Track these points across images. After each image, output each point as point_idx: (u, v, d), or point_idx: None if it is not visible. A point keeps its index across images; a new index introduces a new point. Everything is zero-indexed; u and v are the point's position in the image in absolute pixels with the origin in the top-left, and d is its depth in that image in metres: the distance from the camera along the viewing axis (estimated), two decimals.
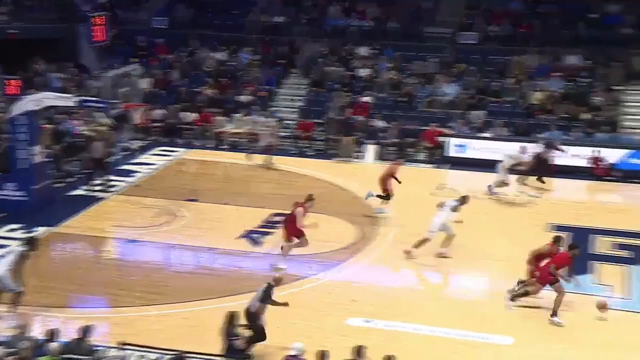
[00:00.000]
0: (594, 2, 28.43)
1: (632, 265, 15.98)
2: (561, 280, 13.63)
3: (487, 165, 21.38)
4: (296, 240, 15.66)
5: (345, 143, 24.47)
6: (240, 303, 12.51)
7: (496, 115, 25.35)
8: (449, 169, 23.39)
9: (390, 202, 18.68)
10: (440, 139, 24.18)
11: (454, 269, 15.97)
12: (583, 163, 22.46)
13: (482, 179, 20.96)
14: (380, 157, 24.07)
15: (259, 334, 11.95)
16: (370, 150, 24.40)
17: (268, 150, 23.14)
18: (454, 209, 16.23)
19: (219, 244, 16.77)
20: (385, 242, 17.15)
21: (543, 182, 21.33)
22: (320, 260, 15.89)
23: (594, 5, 28.35)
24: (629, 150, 22.68)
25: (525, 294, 14.00)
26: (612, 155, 22.41)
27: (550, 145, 21.67)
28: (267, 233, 17.48)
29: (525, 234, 17.24)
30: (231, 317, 11.76)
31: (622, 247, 16.91)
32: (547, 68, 26.83)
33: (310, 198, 15.90)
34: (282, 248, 15.85)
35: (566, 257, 13.78)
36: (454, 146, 23.97)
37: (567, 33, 27.38)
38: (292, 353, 11.01)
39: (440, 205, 16.34)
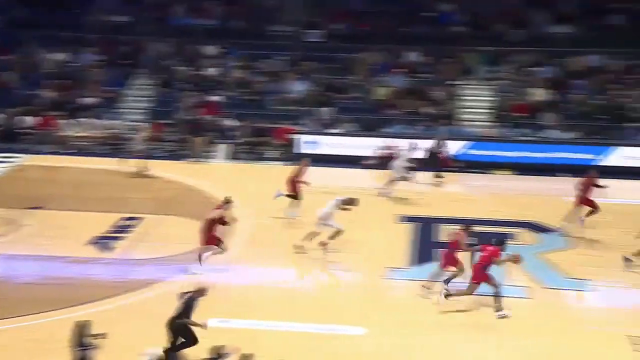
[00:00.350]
0: (429, 1, 29.73)
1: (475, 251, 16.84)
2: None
3: (339, 161, 21.87)
4: (215, 247, 15.29)
5: (196, 143, 24.26)
6: (92, 311, 12.13)
7: (344, 112, 25.99)
8: None
9: (300, 204, 18.40)
10: (291, 136, 24.49)
11: (308, 263, 16.22)
12: (427, 155, 23.44)
13: (334, 175, 21.41)
14: (232, 156, 24.05)
15: (191, 340, 11.58)
16: (222, 149, 24.33)
17: (140, 154, 22.43)
18: (339, 206, 16.39)
19: (67, 252, 16.17)
20: (240, 241, 17.16)
21: (441, 177, 22.06)
22: (174, 263, 15.68)
23: (429, 5, 29.66)
24: (467, 141, 23.92)
25: (460, 293, 14.08)
26: (452, 147, 23.55)
27: (441, 141, 22.32)
28: (117, 238, 17.04)
29: (377, 226, 17.78)
30: (80, 327, 11.29)
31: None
32: (388, 65, 27.80)
33: (227, 201, 15.59)
34: (199, 255, 15.28)
35: (497, 252, 13.91)
36: (305, 143, 24.36)
37: (405, 31, 28.48)
38: (146, 359, 10.77)
39: (331, 201, 16.43)
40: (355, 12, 29.87)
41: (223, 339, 11.47)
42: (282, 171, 22.95)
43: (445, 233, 17.77)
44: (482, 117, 25.86)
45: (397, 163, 20.50)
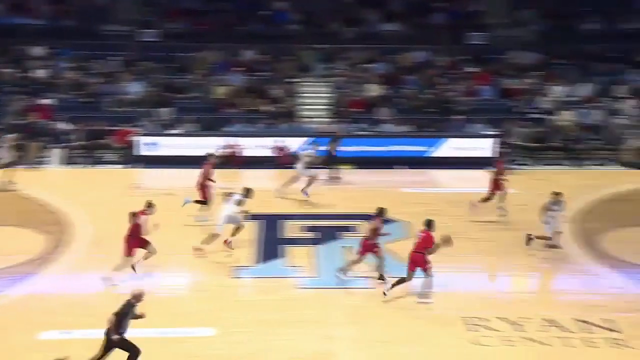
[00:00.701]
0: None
1: (318, 245, 17.24)
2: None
3: (180, 162, 21.60)
4: (142, 251, 14.82)
5: (29, 148, 23.11)
6: None
7: (184, 111, 25.70)
8: (142, 168, 23.24)
9: (211, 208, 17.95)
10: (130, 138, 23.92)
11: (150, 268, 15.92)
12: (268, 153, 23.70)
13: (176, 176, 21.13)
14: (67, 161, 23.14)
15: (133, 351, 11.27)
16: (56, 154, 23.35)
17: (10, 165, 20.99)
18: (239, 203, 16.26)
19: None
20: (79, 249, 16.57)
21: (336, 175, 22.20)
22: (6, 275, 14.90)
23: (264, 3, 29.92)
24: (307, 138, 24.36)
25: (402, 281, 14.39)
26: (293, 144, 23.93)
27: (336, 138, 22.37)
28: None
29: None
30: None
31: (310, 229, 18.09)
32: (227, 63, 27.79)
33: (149, 204, 15.00)
34: (132, 266, 14.84)
35: (432, 238, 14.34)
36: (145, 145, 23.87)
37: (241, 29, 28.57)
38: None
39: (227, 199, 16.31)
40: (190, 11, 29.61)
41: (67, 350, 11.08)
42: (122, 175, 22.49)
43: (289, 229, 18.07)
44: (321, 113, 26.43)
45: (300, 163, 20.33)
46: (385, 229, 16.85)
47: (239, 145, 23.56)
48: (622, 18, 29.14)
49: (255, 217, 18.28)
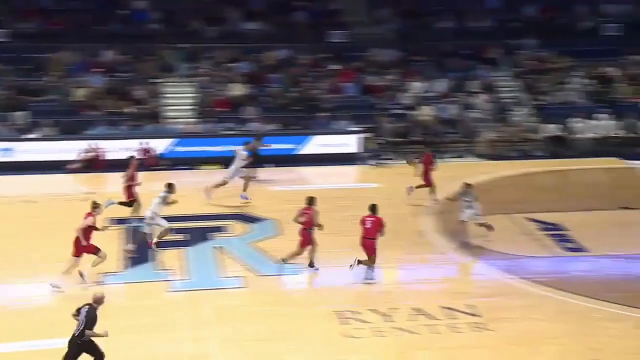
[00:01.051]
0: None
1: (188, 247, 17.08)
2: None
3: (39, 167, 20.74)
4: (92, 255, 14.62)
5: None
6: None
7: (41, 115, 24.68)
8: None
9: (140, 208, 17.76)
10: None
11: (16, 280, 15.27)
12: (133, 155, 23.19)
13: (35, 182, 20.29)
14: None
15: (98, 355, 11.20)
16: None
17: None
18: (164, 200, 16.26)
19: None
20: None
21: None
22: None
23: (121, 2, 29.20)
24: (173, 139, 24.05)
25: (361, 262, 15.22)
26: (159, 145, 23.53)
27: (259, 138, 21.89)
28: None
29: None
30: None
31: (179, 231, 17.82)
32: (85, 64, 26.92)
33: (95, 205, 14.80)
34: (79, 272, 14.61)
35: (382, 222, 15.03)
36: None
37: (100, 29, 27.76)
38: None
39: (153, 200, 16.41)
40: (43, 10, 28.43)
41: None
42: None
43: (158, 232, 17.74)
44: (186, 113, 26.13)
45: (235, 165, 19.97)
46: (254, 227, 17.06)
47: (102, 149, 22.92)
48: (472, 17, 30.59)
49: (121, 221, 17.88)
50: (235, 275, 15.64)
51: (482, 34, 29.71)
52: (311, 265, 15.80)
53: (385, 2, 30.85)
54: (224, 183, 19.90)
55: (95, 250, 14.74)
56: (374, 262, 15.35)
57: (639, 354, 12.74)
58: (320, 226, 15.57)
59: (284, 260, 15.71)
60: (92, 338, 11.19)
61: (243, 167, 20.03)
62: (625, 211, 19.05)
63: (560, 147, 24.64)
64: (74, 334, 11.15)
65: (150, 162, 23.14)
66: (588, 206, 19.13)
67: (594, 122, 25.23)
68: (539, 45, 29.24)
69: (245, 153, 20.17)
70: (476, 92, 27.11)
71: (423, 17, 30.53)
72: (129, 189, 18.28)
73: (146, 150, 23.31)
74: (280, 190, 20.02)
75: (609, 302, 14.57)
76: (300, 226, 15.59)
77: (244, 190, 19.91)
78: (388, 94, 27.06)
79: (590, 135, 24.98)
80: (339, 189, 20.28)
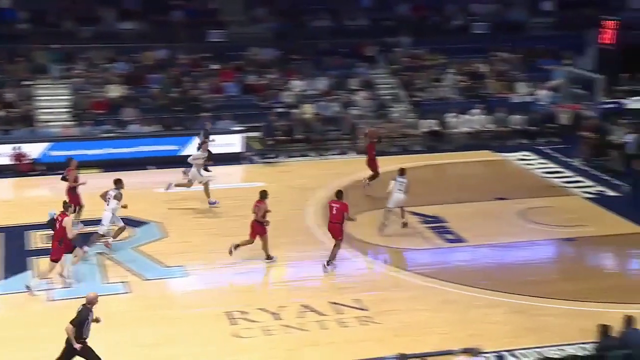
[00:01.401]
0: None
1: (69, 254, 16.50)
2: None
3: None
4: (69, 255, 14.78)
5: None
6: None
7: None
8: None
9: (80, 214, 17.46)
10: None
11: None
12: (6, 161, 22.25)
13: None
14: None
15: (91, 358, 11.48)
16: None
17: None
18: (117, 197, 16.29)
19: None
20: None
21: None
22: None
23: None
24: (48, 143, 23.19)
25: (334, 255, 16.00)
26: (34, 150, 22.64)
27: (207, 134, 21.37)
28: None
29: None
30: None
31: None
32: None
33: (67, 205, 15.05)
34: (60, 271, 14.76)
35: (347, 207, 15.93)
36: None
37: None
38: None
39: (104, 197, 16.39)
40: None
41: None
42: None
43: (36, 240, 17.12)
44: (61, 116, 25.22)
45: (193, 167, 19.44)
46: (138, 231, 16.79)
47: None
48: (348, 15, 31.14)
49: None
50: (120, 280, 15.31)
51: (358, 33, 30.31)
52: (268, 258, 16.27)
53: (262, 1, 30.93)
54: (188, 184, 19.55)
55: (71, 249, 14.92)
56: (339, 246, 16.12)
57: (516, 337, 13.40)
58: (265, 222, 15.95)
59: (269, 258, 16.24)
60: (88, 344, 11.48)
61: (202, 169, 19.82)
62: (500, 202, 19.93)
63: (437, 142, 25.48)
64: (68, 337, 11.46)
65: (24, 168, 22.25)
66: (465, 198, 19.89)
67: (467, 116, 26.23)
68: (413, 43, 30.11)
69: (199, 154, 19.97)
70: (356, 90, 27.61)
71: (299, 16, 30.81)
72: (71, 192, 17.66)
73: (19, 155, 22.38)
74: (163, 192, 19.70)
75: (487, 289, 15.26)
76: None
77: (208, 196, 19.44)
78: (269, 93, 27.15)
79: (465, 129, 25.96)
80: (224, 189, 20.17)
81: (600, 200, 20.59)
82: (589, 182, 21.96)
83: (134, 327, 13.55)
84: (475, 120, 26.27)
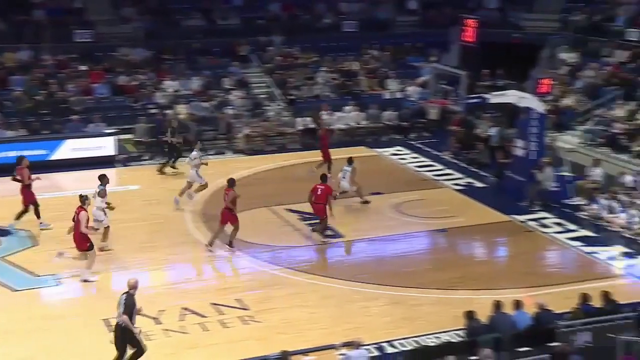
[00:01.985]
0: None
1: None
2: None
3: None
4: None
5: None
6: None
7: None
8: None
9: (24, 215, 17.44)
10: None
11: None
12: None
13: None
14: None
15: (139, 347, 11.82)
16: None
17: None
18: (101, 194, 16.42)
19: None
20: None
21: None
22: None
23: None
24: None
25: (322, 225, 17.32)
26: None
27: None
28: None
29: None
30: None
31: None
32: None
33: (84, 198, 15.44)
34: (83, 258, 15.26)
35: (331, 189, 17.44)
36: None
37: None
38: None
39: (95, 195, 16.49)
40: None
41: None
42: None
43: None
44: None
45: (192, 170, 19.51)
46: (3, 241, 16.21)
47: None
48: (219, 15, 30.95)
49: None
50: None
51: (230, 32, 30.22)
52: (230, 244, 16.79)
53: (130, 0, 30.25)
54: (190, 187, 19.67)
55: (86, 242, 15.33)
56: (326, 224, 17.46)
57: (394, 328, 13.80)
58: (232, 209, 16.54)
59: (230, 245, 16.81)
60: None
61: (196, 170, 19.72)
62: (375, 196, 20.41)
63: (313, 140, 25.76)
64: (116, 323, 11.95)
65: None
66: (342, 194, 20.22)
67: (341, 114, 26.68)
68: (285, 42, 30.32)
69: (196, 153, 19.82)
70: (230, 89, 27.51)
71: (170, 15, 30.37)
72: (24, 191, 17.42)
73: None
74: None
75: (365, 283, 15.63)
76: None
77: (181, 194, 19.62)
78: (142, 94, 26.59)
79: (339, 126, 26.40)
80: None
81: (468, 191, 21.48)
82: (457, 175, 22.86)
83: (8, 340, 12.98)
84: (348, 117, 26.76)
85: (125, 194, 20.56)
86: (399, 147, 25.53)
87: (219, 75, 28.23)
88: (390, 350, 13.09)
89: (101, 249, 16.47)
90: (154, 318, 13.78)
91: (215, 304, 14.55)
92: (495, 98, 22.94)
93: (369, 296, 15.13)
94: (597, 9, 30.12)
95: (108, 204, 16.80)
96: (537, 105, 20.78)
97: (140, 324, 13.59)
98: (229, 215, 16.69)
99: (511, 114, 23.73)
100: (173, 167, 22.56)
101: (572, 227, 18.73)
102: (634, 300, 13.69)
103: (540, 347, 11.18)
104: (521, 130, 20.98)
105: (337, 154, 22.94)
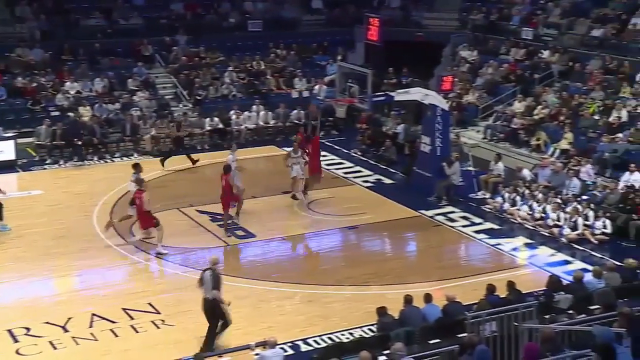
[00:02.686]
0: None
1: None
2: None
3: None
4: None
5: None
6: None
7: None
8: None
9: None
10: None
11: None
12: None
13: None
14: None
15: (226, 320, 12.63)
16: None
17: None
18: (137, 181, 16.98)
19: None
20: None
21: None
22: None
23: None
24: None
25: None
26: None
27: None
28: None
29: None
30: None
31: None
32: None
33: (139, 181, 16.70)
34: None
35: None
36: None
37: None
38: None
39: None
40: None
41: None
42: None
43: None
44: None
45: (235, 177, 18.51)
46: None
47: None
48: (121, 14, 30.29)
49: None
50: None
51: (133, 32, 29.66)
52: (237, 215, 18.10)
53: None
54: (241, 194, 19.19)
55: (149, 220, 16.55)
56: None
57: (309, 326, 13.86)
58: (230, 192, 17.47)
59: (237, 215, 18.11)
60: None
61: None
62: (286, 195, 20.42)
63: (221, 140, 25.58)
64: (204, 298, 12.60)
65: None
66: (254, 193, 20.17)
67: (249, 113, 26.57)
68: (190, 42, 29.97)
69: (232, 157, 19.57)
70: (135, 90, 26.99)
71: (68, 15, 29.52)
72: None
73: None
74: None
75: (279, 282, 15.65)
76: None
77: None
78: (41, 96, 25.75)
79: (248, 125, 26.29)
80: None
81: (378, 188, 21.79)
82: (367, 172, 23.14)
83: None
84: (256, 116, 26.67)
85: (27, 199, 19.92)
86: None
87: (123, 76, 27.65)
88: (304, 348, 13.15)
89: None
90: (62, 326, 13.42)
91: (126, 309, 14.26)
92: (400, 96, 23.35)
93: (282, 295, 15.15)
94: (494, 9, 31.14)
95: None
96: (440, 102, 21.29)
97: (49, 333, 13.27)
98: (229, 198, 17.66)
99: (416, 112, 24.24)
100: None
101: (477, 220, 19.27)
102: (536, 289, 14.18)
103: (450, 339, 11.45)
104: (426, 127, 21.43)
105: (246, 153, 22.90)
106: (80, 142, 23.65)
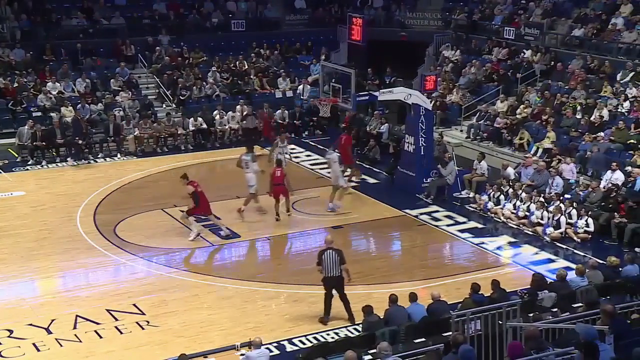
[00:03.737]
0: None
1: None
2: None
3: None
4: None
5: None
6: None
7: None
8: None
9: None
10: None
11: None
12: None
13: None
14: None
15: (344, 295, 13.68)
16: None
17: None
18: (254, 159, 18.83)
19: None
20: None
21: None
22: None
23: None
24: None
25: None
26: None
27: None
28: None
29: None
30: None
31: None
32: None
33: (185, 176, 17.58)
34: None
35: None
36: None
37: None
38: None
39: (240, 165, 18.94)
40: None
41: None
42: None
43: None
44: None
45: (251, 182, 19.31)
46: None
47: None
48: (102, 14, 30.11)
49: None
50: None
51: (115, 32, 29.51)
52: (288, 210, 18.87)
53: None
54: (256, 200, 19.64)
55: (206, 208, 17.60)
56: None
57: (294, 326, 13.83)
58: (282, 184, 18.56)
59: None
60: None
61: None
62: (267, 196, 20.36)
63: (204, 140, 25.51)
64: (328, 276, 13.45)
65: None
66: (236, 193, 20.12)
67: (232, 113, 26.50)
68: (173, 42, 29.86)
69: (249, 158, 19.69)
70: (118, 90, 26.85)
71: (49, 15, 29.31)
72: None
73: None
74: None
75: (264, 282, 15.63)
76: None
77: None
78: (23, 96, 25.55)
79: (231, 126, 26.22)
80: None
81: (362, 188, 21.81)
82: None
83: None
84: (240, 116, 26.58)
85: (10, 200, 19.78)
86: (292, 146, 25.60)
87: (106, 77, 27.50)
88: (290, 348, 13.14)
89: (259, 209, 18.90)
90: (45, 328, 13.32)
91: (109, 310, 14.19)
92: (383, 95, 23.38)
93: (268, 295, 15.13)
94: (476, 9, 31.27)
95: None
96: (424, 101, 21.34)
97: (32, 335, 13.18)
98: (282, 189, 18.67)
99: (400, 111, 24.28)
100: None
101: (461, 219, 19.33)
102: (520, 287, 14.25)
103: (435, 338, 11.49)
104: (410, 126, 21.48)
105: (230, 154, 22.85)
106: (61, 142, 23.51)
